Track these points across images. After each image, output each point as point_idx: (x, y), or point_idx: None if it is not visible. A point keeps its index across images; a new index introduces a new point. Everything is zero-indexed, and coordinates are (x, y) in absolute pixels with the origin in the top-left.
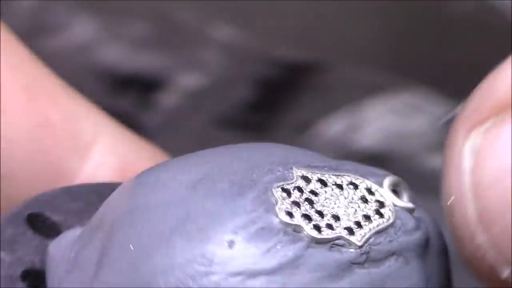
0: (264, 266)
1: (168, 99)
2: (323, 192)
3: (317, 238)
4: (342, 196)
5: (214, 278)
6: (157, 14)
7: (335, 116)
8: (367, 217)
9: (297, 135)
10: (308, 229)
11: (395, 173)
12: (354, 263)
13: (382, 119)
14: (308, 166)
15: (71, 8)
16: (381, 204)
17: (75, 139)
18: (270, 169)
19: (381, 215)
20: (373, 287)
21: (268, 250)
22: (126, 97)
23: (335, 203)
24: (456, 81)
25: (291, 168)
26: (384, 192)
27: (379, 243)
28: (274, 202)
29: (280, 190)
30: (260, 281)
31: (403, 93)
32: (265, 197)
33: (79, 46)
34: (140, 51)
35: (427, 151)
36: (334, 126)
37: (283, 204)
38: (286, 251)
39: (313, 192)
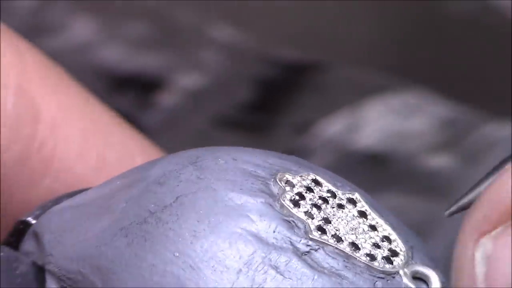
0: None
1: (167, 99)
2: (336, 208)
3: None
4: (354, 221)
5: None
6: (157, 14)
7: (335, 116)
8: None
9: (297, 135)
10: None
11: (395, 173)
12: (294, 247)
13: (382, 119)
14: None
15: (71, 8)
16: (393, 253)
17: None
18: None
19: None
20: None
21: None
22: (125, 97)
23: (340, 219)
24: (456, 81)
25: (319, 183)
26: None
27: (335, 259)
28: (277, 192)
29: (285, 181)
30: None
31: (403, 93)
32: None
33: (79, 46)
34: (140, 51)
35: (427, 151)
36: (334, 126)
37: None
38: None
39: (322, 198)
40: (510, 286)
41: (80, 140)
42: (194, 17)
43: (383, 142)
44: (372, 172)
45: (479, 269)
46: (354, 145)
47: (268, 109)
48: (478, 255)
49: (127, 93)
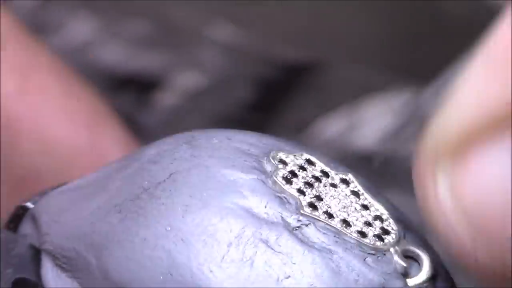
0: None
1: (167, 99)
2: (328, 187)
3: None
4: (346, 200)
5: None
6: (156, 14)
7: (335, 116)
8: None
9: (297, 135)
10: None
11: (395, 173)
12: (285, 222)
13: (381, 119)
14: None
15: (71, 8)
16: (385, 231)
17: None
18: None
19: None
20: (261, 238)
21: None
22: (125, 96)
23: (332, 197)
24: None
25: (311, 163)
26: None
27: (328, 235)
28: (270, 170)
29: (278, 159)
30: None
31: (403, 93)
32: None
33: (78, 46)
34: (139, 51)
35: None
36: (333, 126)
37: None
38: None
39: (315, 177)
40: (484, 195)
41: (67, 114)
42: (194, 17)
43: (383, 142)
44: (372, 172)
45: (442, 187)
46: (353, 145)
47: (268, 109)
48: (439, 174)
49: (127, 93)
